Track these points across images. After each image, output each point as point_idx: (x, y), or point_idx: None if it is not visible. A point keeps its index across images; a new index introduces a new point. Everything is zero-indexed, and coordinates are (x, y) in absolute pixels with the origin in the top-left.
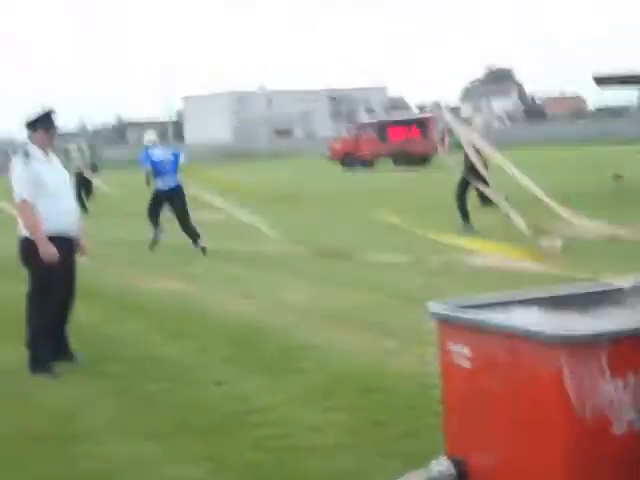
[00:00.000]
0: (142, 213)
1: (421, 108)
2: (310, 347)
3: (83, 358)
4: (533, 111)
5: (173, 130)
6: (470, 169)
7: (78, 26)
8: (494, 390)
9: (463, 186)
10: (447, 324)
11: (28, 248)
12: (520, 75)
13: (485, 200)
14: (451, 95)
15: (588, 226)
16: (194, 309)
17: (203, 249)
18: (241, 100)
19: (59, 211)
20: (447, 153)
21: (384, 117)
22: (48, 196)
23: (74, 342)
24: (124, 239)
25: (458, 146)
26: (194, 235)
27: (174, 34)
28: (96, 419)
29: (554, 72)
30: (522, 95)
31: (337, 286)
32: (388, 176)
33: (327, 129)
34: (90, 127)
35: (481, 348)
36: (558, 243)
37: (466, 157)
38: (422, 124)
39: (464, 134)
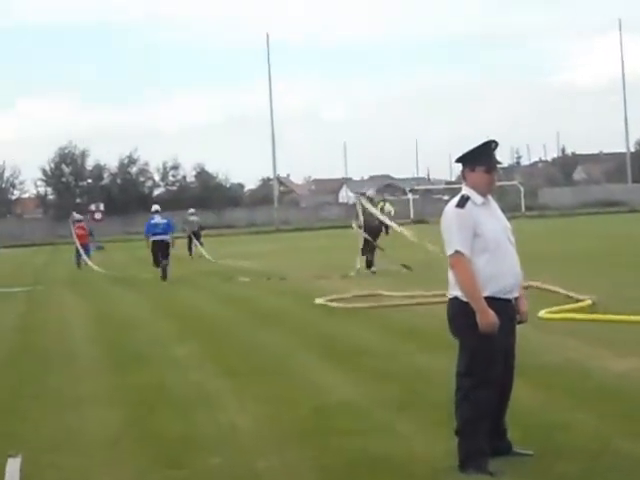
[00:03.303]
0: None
1: None
2: None
3: (527, 453)
4: None
5: (632, 163)
6: None
7: None
8: None
9: None
10: None
11: (459, 312)
12: None
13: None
14: None
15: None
16: None
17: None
18: None
19: (500, 267)
20: None
21: None
22: (487, 249)
23: (513, 432)
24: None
25: None
26: None
27: None
28: None
29: None
30: None
31: None
32: None
33: None
34: (527, 161)
35: None
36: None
37: None
38: None
39: None
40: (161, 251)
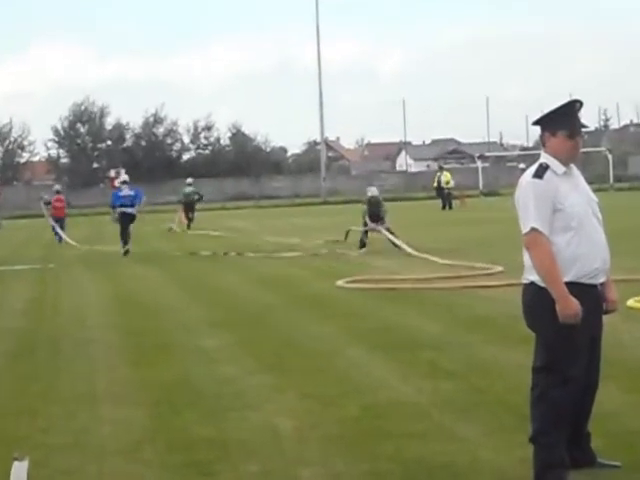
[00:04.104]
0: None
1: None
2: None
3: (614, 464)
4: None
5: None
6: None
7: None
8: None
9: None
10: None
11: (537, 300)
12: None
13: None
14: None
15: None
16: None
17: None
18: None
19: (584, 248)
20: None
21: None
22: (569, 227)
23: (597, 439)
24: None
25: None
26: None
27: None
28: None
29: None
30: None
31: None
32: None
33: None
34: (616, 125)
35: None
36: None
37: None
38: None
39: None
40: (128, 224)
